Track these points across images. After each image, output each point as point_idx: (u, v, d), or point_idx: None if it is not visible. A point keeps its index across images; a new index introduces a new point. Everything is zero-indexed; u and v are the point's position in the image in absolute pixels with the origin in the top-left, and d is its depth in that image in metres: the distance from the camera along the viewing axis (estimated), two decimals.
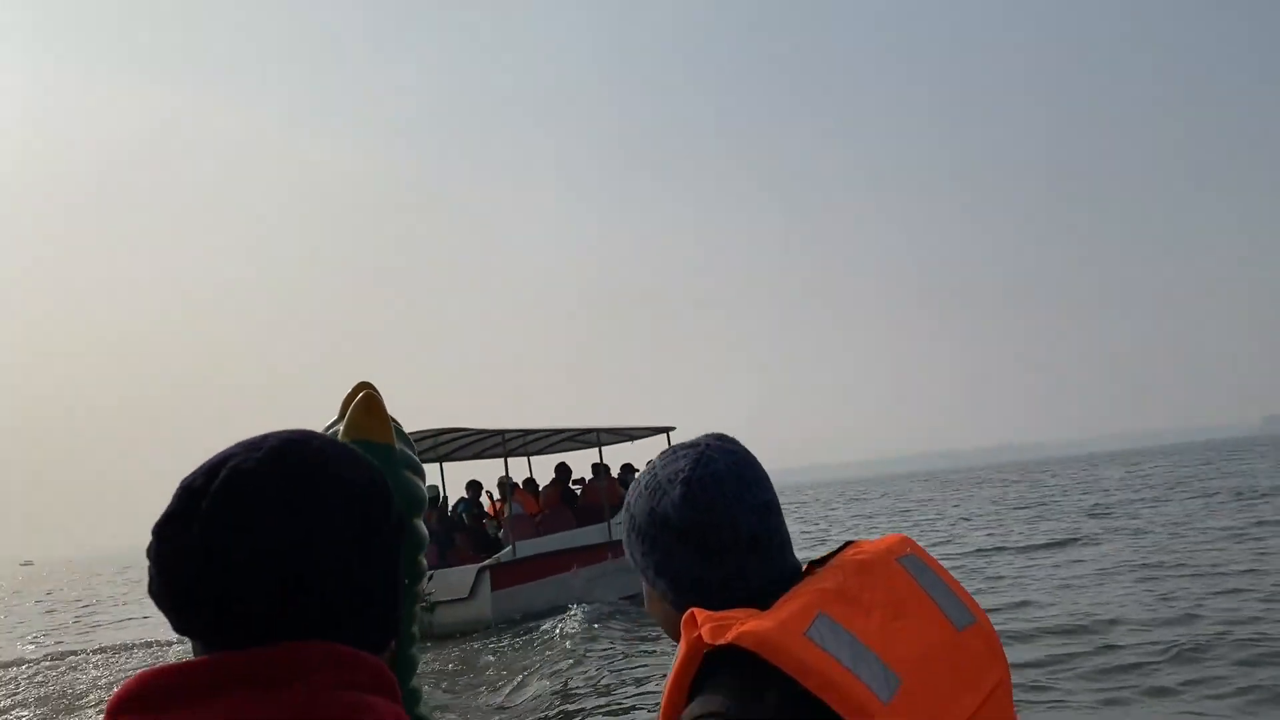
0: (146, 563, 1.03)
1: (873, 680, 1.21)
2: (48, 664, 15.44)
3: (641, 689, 9.05)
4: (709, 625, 1.28)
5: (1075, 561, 15.09)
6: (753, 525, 1.41)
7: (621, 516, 1.49)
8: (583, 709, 8.57)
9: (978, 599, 1.41)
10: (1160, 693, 7.01)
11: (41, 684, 13.09)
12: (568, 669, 10.34)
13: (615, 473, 18.04)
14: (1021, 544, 18.82)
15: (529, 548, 15.12)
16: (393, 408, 1.85)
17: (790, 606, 1.28)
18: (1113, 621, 9.61)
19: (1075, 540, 18.27)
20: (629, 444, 18.94)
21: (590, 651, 11.15)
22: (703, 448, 1.45)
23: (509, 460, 17.25)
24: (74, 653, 16.77)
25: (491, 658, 11.88)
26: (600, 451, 18.08)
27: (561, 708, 8.74)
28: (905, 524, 29.21)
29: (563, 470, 17.33)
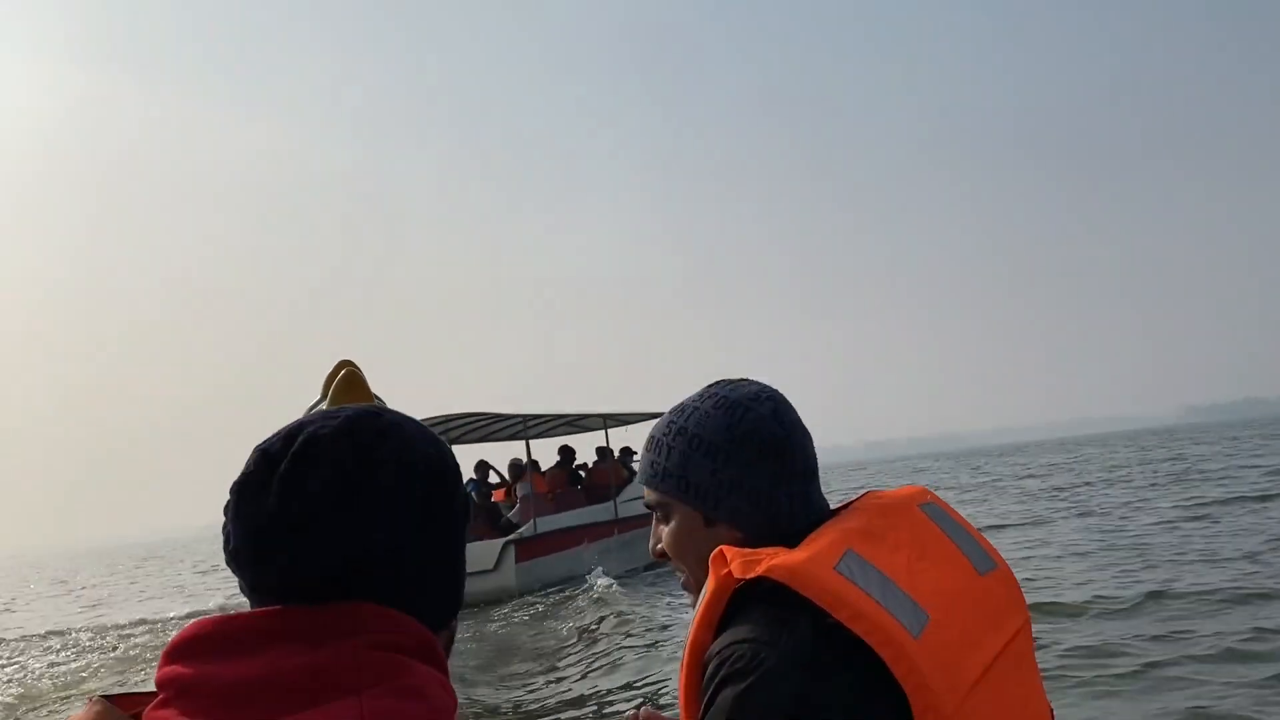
0: (223, 520, 1.08)
1: (903, 615, 1.23)
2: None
3: (666, 632, 10.23)
4: (739, 560, 1.30)
5: (1037, 542, 15.26)
6: (813, 453, 1.49)
7: (665, 441, 1.48)
8: (610, 652, 9.74)
9: None
10: (1147, 669, 6.97)
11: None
12: (594, 624, 11.63)
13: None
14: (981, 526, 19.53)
15: (548, 524, 16.43)
16: (378, 388, 1.86)
17: (819, 543, 1.30)
18: (1083, 601, 9.56)
19: (1031, 523, 18.52)
20: (622, 429, 20.26)
21: (610, 610, 12.35)
22: (756, 380, 1.53)
23: (509, 443, 18.60)
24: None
25: (523, 620, 13.19)
26: (606, 435, 19.43)
27: (592, 651, 9.99)
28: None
29: (567, 453, 18.63)
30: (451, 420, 16.89)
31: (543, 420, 18.35)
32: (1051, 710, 1.41)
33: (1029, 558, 13.11)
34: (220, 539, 1.09)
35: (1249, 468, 26.38)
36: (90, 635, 16.74)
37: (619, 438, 20.06)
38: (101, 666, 12.46)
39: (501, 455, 18.00)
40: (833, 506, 1.46)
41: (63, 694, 10.66)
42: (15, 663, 14.06)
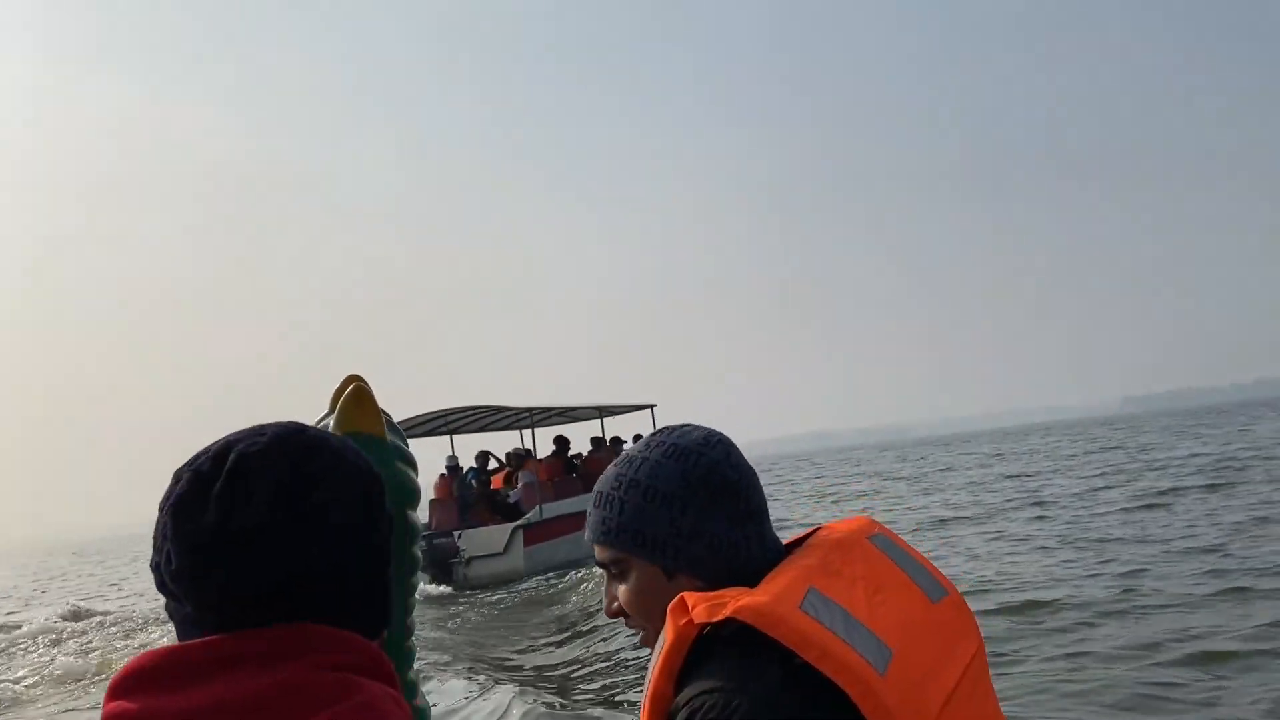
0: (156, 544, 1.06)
1: (867, 651, 1.23)
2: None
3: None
4: (703, 605, 1.28)
5: (996, 534, 15.14)
6: (763, 492, 1.48)
7: (616, 496, 1.45)
8: (611, 624, 10.50)
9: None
10: (1106, 658, 7.04)
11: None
12: (597, 603, 12.53)
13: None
14: (932, 519, 18.97)
15: (552, 510, 17.45)
16: (384, 400, 1.85)
17: (780, 581, 1.30)
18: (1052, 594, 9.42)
19: (986, 515, 18.39)
20: (611, 419, 21.29)
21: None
22: (700, 425, 1.51)
23: (505, 433, 19.70)
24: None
25: (531, 598, 14.30)
26: (602, 425, 20.48)
27: (591, 624, 10.99)
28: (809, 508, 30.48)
29: (562, 443, 19.66)
30: (451, 413, 18.04)
31: (539, 412, 19.33)
32: None
33: (990, 552, 13.02)
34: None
35: (1195, 455, 27.41)
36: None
37: (608, 428, 21.09)
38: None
39: (494, 445, 19.02)
40: (785, 542, 1.47)
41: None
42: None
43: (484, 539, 16.67)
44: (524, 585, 15.62)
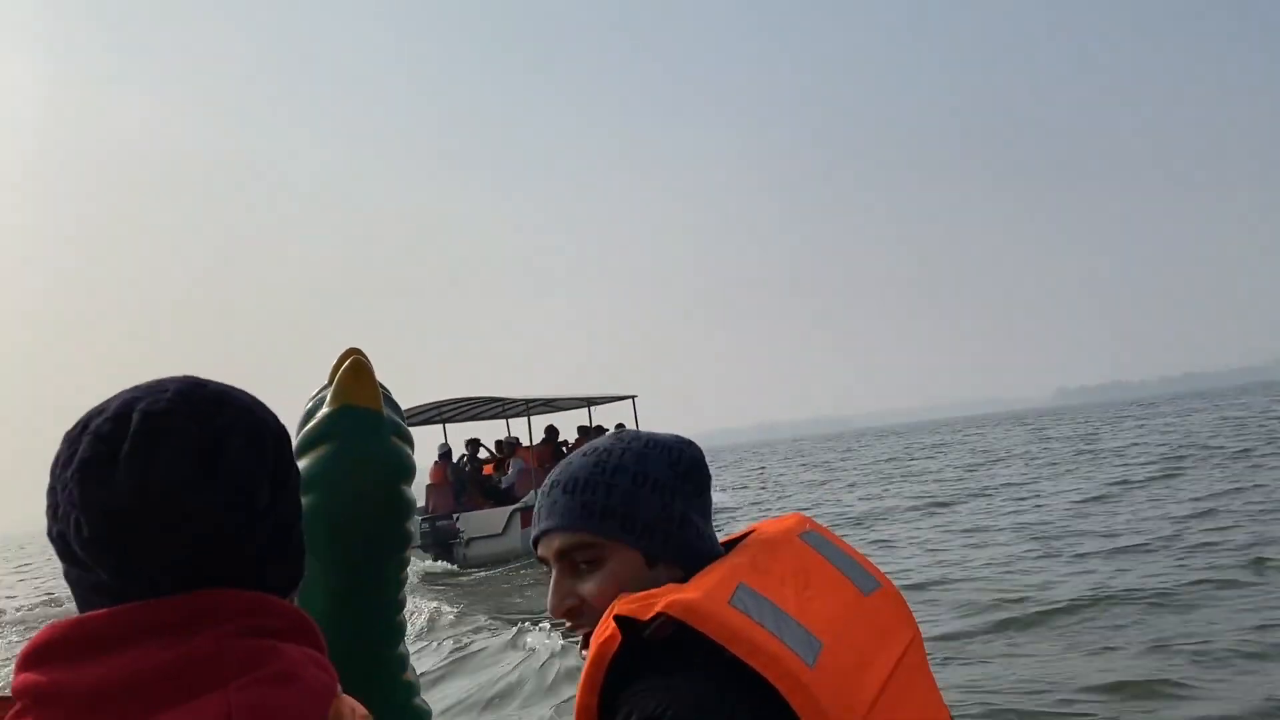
0: (63, 511, 0.99)
1: (797, 644, 1.23)
2: None
3: None
4: (632, 605, 1.28)
5: (947, 525, 15.24)
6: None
7: (601, 480, 1.39)
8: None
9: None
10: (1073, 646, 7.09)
11: None
12: None
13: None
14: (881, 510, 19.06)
15: None
16: (384, 376, 1.83)
17: (711, 579, 1.30)
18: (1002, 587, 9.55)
19: (936, 505, 18.47)
20: (593, 409, 22.40)
21: None
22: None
23: (494, 422, 20.87)
24: None
25: (529, 575, 15.33)
26: (590, 414, 21.64)
27: None
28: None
29: (552, 431, 20.72)
30: (445, 404, 19.25)
31: (535, 403, 20.45)
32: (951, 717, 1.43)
33: (946, 544, 13.10)
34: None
35: (1133, 445, 28.66)
36: None
37: (584, 418, 22.38)
38: None
39: (480, 434, 20.32)
40: (720, 541, 1.47)
41: None
42: None
43: (483, 521, 17.81)
44: (522, 563, 16.71)
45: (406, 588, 1.90)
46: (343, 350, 1.82)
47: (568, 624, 1.41)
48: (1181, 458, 22.00)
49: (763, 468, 50.53)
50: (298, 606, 1.06)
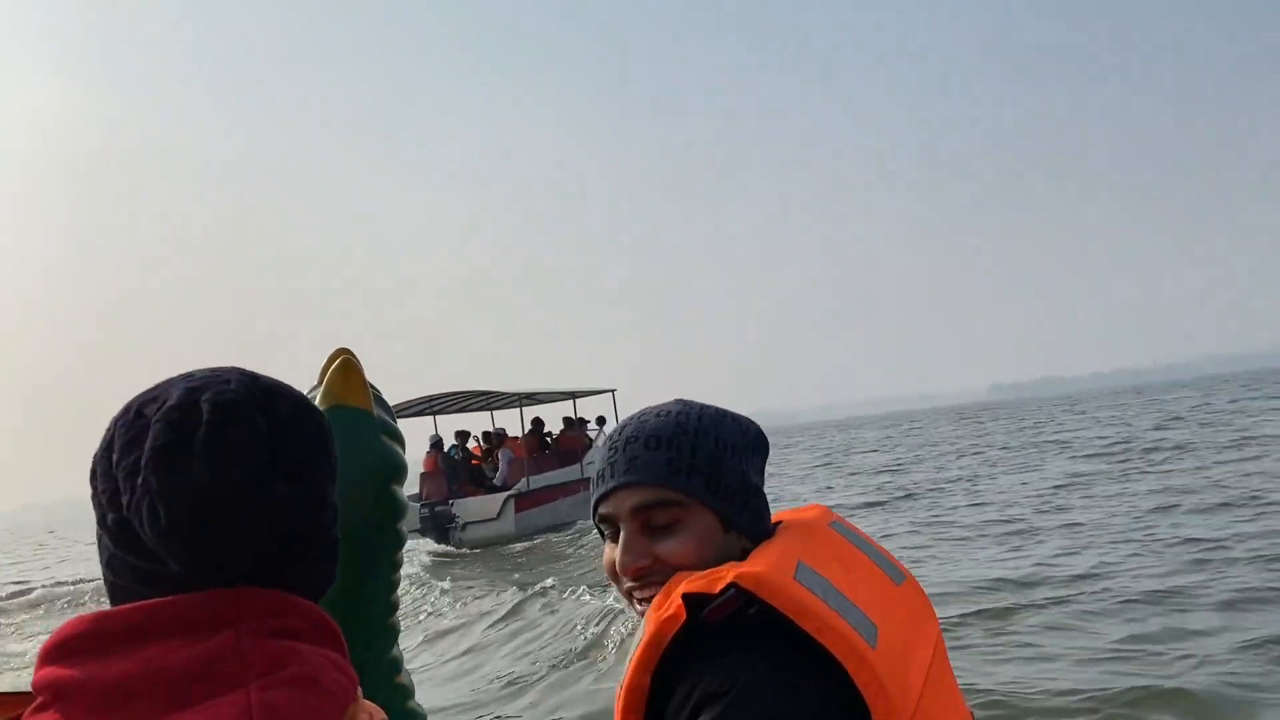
0: (127, 498, 0.98)
1: (859, 626, 1.21)
2: None
3: None
4: (699, 582, 1.24)
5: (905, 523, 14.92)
6: None
7: (685, 440, 1.35)
8: (588, 573, 12.70)
9: None
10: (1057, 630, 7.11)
11: None
12: (581, 557, 15.00)
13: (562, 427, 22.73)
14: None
15: (540, 481, 19.98)
16: (372, 375, 1.82)
17: (770, 554, 1.28)
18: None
19: (893, 499, 18.45)
20: (572, 401, 23.57)
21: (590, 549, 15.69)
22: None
23: (478, 414, 22.20)
24: None
25: (524, 556, 16.63)
26: (575, 406, 23.08)
27: (582, 570, 13.25)
28: None
29: (538, 423, 21.95)
30: (437, 398, 20.68)
31: (525, 396, 21.61)
32: (971, 713, 1.39)
33: (903, 539, 13.03)
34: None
35: (1077, 437, 29.56)
36: None
37: (565, 410, 23.87)
38: None
39: (467, 426, 21.79)
40: None
41: None
42: None
43: (478, 507, 19.03)
44: (516, 546, 18.04)
45: (399, 590, 1.90)
46: (332, 350, 1.84)
47: (627, 584, 1.37)
48: (1129, 449, 22.47)
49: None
50: (319, 607, 1.05)
